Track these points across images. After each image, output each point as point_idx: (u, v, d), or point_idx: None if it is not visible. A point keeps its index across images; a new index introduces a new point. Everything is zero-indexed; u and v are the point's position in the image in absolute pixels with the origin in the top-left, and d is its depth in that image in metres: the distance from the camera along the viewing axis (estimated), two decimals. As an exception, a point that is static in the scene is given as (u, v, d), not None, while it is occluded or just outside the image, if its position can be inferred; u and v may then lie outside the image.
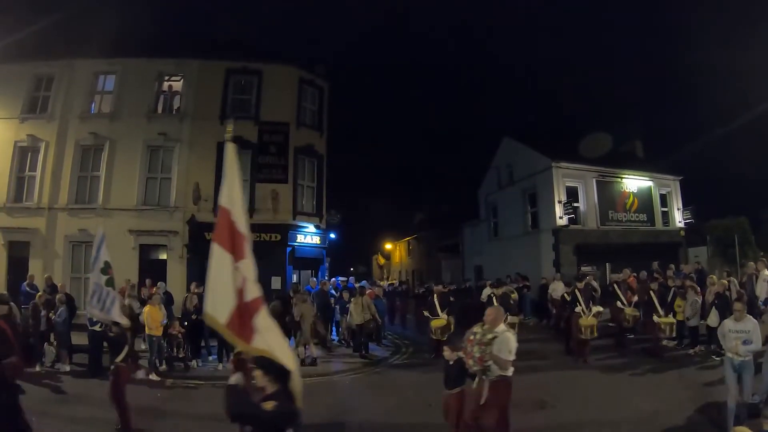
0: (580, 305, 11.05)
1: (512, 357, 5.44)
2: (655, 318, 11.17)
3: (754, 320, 6.57)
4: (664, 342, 11.54)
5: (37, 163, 16.97)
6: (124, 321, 7.34)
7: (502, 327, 5.64)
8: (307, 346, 11.90)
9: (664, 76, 66.37)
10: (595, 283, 13.92)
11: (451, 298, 13.26)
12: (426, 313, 12.53)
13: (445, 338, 11.39)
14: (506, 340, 5.47)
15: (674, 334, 11.42)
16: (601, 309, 11.89)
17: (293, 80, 18.63)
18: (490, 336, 5.46)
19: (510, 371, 5.50)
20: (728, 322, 6.69)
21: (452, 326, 12.13)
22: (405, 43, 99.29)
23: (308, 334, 11.82)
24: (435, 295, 12.72)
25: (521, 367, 10.04)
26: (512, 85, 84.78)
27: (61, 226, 16.59)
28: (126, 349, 7.09)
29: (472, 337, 5.58)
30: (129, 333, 7.47)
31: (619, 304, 12.55)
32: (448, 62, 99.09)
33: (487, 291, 15.32)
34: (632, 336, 12.83)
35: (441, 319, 11.93)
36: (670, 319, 11.12)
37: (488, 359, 5.36)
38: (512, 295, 15.60)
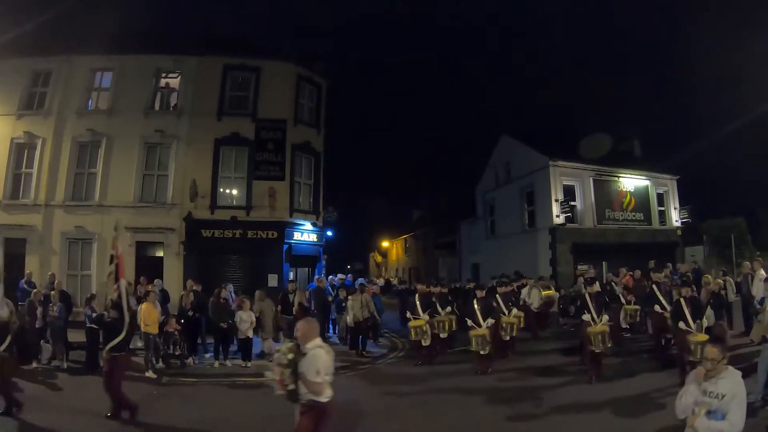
0: (590, 313, 9.49)
1: (320, 379, 4.49)
2: (682, 324, 8.77)
3: (737, 378, 3.85)
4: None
5: (34, 159, 16.91)
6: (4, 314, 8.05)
7: (313, 343, 4.68)
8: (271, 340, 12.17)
9: (663, 75, 66.47)
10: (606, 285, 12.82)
11: (449, 298, 12.93)
12: (408, 314, 11.74)
13: (425, 341, 11.17)
14: (314, 358, 4.53)
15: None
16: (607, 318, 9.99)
17: (291, 77, 18.57)
18: (290, 356, 4.60)
19: (324, 396, 4.56)
20: (696, 376, 3.97)
21: (451, 325, 11.89)
22: (403, 41, 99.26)
23: (269, 329, 12.03)
24: (417, 295, 11.97)
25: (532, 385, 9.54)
26: (511, 83, 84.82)
27: (58, 223, 16.56)
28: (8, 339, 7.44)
29: (276, 354, 4.76)
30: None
31: (657, 308, 10.66)
32: (447, 59, 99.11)
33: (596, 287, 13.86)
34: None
35: (419, 321, 11.23)
36: (704, 336, 8.34)
37: (289, 382, 4.56)
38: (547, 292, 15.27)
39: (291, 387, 4.56)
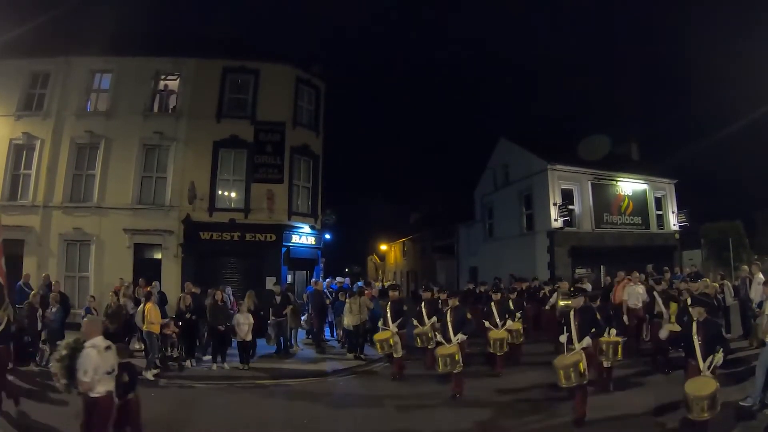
0: (569, 333, 7.30)
1: (87, 378, 4.82)
2: (696, 362, 6.12)
3: None
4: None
5: (32, 160, 16.90)
6: None
7: (91, 342, 5.02)
8: None
9: (661, 79, 66.72)
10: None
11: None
12: (380, 324, 10.89)
13: (398, 353, 10.25)
14: (84, 357, 4.91)
15: (718, 408, 5.68)
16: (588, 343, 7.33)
17: (290, 79, 18.59)
18: (64, 353, 5.09)
19: (93, 392, 4.90)
20: None
21: (436, 334, 10.20)
22: (402, 44, 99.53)
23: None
24: (389, 303, 10.87)
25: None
26: (509, 86, 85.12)
27: (56, 225, 16.53)
28: None
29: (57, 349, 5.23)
30: None
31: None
32: (445, 62, 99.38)
33: (637, 288, 11.50)
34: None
35: (386, 332, 10.30)
36: (711, 382, 5.73)
37: (60, 377, 5.05)
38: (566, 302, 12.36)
39: (63, 381, 5.04)
